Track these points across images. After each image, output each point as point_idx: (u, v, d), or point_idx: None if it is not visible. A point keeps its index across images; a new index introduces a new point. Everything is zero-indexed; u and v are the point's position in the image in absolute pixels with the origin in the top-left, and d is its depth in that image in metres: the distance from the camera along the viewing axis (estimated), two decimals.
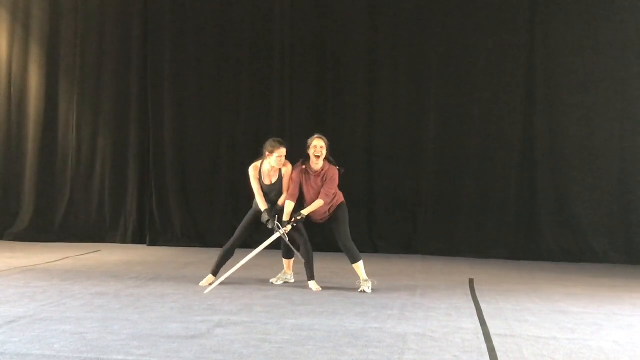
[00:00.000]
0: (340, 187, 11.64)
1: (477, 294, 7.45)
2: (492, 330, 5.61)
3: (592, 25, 10.79)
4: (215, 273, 7.70)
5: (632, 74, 10.72)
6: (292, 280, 7.95)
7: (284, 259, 7.93)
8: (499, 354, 4.86)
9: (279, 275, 7.95)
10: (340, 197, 7.68)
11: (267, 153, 7.60)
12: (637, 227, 10.66)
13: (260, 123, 11.66)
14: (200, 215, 11.77)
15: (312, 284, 7.59)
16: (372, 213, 11.37)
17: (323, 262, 9.84)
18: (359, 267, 7.51)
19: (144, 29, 11.92)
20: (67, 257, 9.84)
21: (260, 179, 7.68)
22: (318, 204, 7.50)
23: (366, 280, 7.48)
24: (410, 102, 11.32)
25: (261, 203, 7.62)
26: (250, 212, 7.82)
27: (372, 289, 7.42)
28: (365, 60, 11.44)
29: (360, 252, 10.79)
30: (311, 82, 11.56)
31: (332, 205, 7.62)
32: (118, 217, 11.94)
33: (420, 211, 11.27)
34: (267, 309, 6.30)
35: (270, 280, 7.92)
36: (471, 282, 8.36)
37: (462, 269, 9.57)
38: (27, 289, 7.12)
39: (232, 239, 7.78)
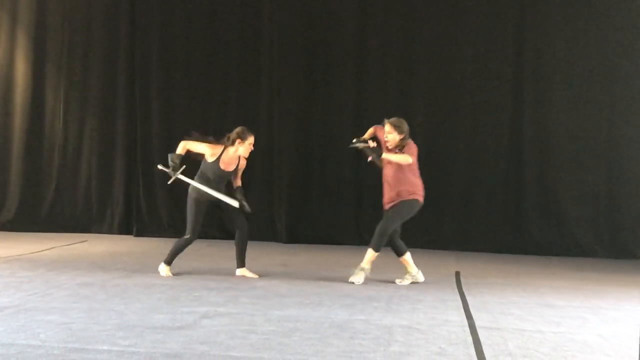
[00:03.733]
0: (329, 179, 11.68)
1: (463, 287, 7.47)
2: (477, 323, 5.63)
3: (581, 21, 10.80)
4: (169, 263, 7.62)
5: (620, 70, 10.75)
6: (422, 279, 7.56)
7: (400, 258, 7.57)
8: (484, 347, 4.88)
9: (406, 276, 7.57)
10: (415, 194, 7.35)
11: (238, 140, 7.52)
12: (622, 221, 10.71)
13: (248, 114, 11.63)
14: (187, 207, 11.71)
15: (242, 271, 7.66)
16: (359, 205, 11.37)
17: (309, 255, 9.87)
18: (369, 253, 7.36)
19: (131, 19, 11.86)
20: (53, 247, 9.81)
21: (215, 162, 7.54)
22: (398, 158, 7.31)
23: (362, 270, 7.37)
24: (399, 95, 11.32)
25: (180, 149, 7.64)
26: (195, 203, 7.60)
27: (360, 282, 7.35)
28: (354, 52, 11.42)
29: (347, 244, 11.01)
30: (299, 73, 11.53)
31: (402, 196, 7.33)
32: (105, 207, 11.89)
33: None
34: (253, 301, 6.30)
35: (396, 281, 7.56)
36: (457, 275, 8.38)
37: (449, 262, 9.60)
38: (13, 278, 7.09)
39: (193, 235, 7.59)
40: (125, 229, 11.79)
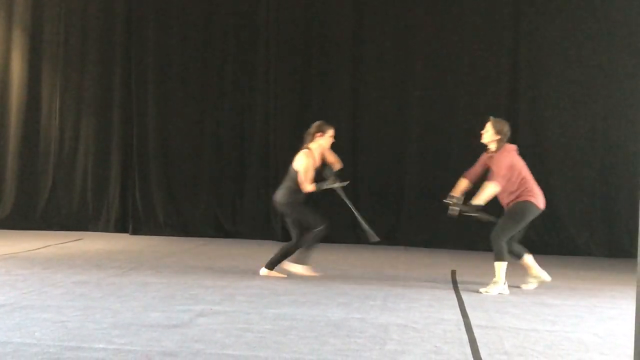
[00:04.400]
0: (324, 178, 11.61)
1: (459, 286, 7.47)
2: (473, 322, 5.63)
3: (576, 20, 10.81)
4: (305, 261, 7.47)
5: (616, 70, 10.76)
6: (547, 279, 7.37)
7: (520, 262, 7.38)
8: (480, 345, 4.88)
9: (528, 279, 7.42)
10: (526, 195, 7.12)
11: (318, 134, 7.57)
12: (618, 220, 10.71)
13: (244, 112, 11.64)
14: (183, 205, 11.73)
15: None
16: (355, 204, 11.29)
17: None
18: (497, 266, 7.03)
19: (128, 16, 11.85)
20: (48, 245, 9.79)
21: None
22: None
23: (495, 283, 7.02)
24: (395, 94, 11.31)
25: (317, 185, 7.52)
26: (300, 205, 7.57)
27: (506, 292, 7.01)
28: (350, 51, 11.41)
29: (343, 242, 11.01)
30: (296, 72, 11.52)
31: (515, 198, 7.12)
32: (100, 205, 11.87)
33: (403, 203, 11.28)
34: (249, 299, 6.30)
35: (521, 286, 7.42)
36: (453, 273, 8.39)
37: (445, 261, 9.60)
38: (8, 276, 7.08)
39: (322, 222, 7.48)
40: (121, 227, 11.77)
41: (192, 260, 8.68)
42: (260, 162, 11.56)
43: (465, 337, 5.13)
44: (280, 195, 7.67)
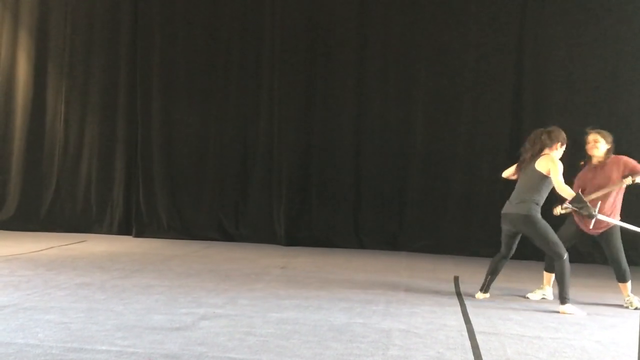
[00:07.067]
0: (328, 182, 11.66)
1: (462, 292, 7.47)
2: (476, 328, 5.64)
3: (581, 26, 10.81)
4: (568, 296, 6.64)
5: (620, 75, 10.75)
6: (551, 298, 7.31)
7: (545, 272, 7.43)
8: (482, 352, 4.88)
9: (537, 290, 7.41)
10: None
11: (559, 143, 6.92)
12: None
13: (248, 116, 11.65)
14: (187, 208, 11.74)
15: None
16: (358, 209, 11.37)
17: (308, 257, 9.86)
18: (625, 287, 7.09)
19: (133, 20, 11.88)
20: (52, 247, 9.81)
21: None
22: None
23: (629, 297, 7.06)
24: (399, 100, 11.31)
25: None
26: (544, 222, 6.95)
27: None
28: (354, 55, 11.41)
29: (346, 248, 11.02)
30: (300, 76, 11.52)
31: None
32: (104, 207, 11.90)
33: (406, 208, 11.28)
34: (252, 302, 6.31)
35: (527, 295, 7.39)
36: (456, 279, 8.38)
37: (447, 267, 9.59)
38: (12, 277, 7.10)
39: (565, 251, 6.78)
40: (124, 230, 11.79)
41: (195, 263, 8.69)
42: (264, 166, 11.57)
43: (467, 343, 5.13)
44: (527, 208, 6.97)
